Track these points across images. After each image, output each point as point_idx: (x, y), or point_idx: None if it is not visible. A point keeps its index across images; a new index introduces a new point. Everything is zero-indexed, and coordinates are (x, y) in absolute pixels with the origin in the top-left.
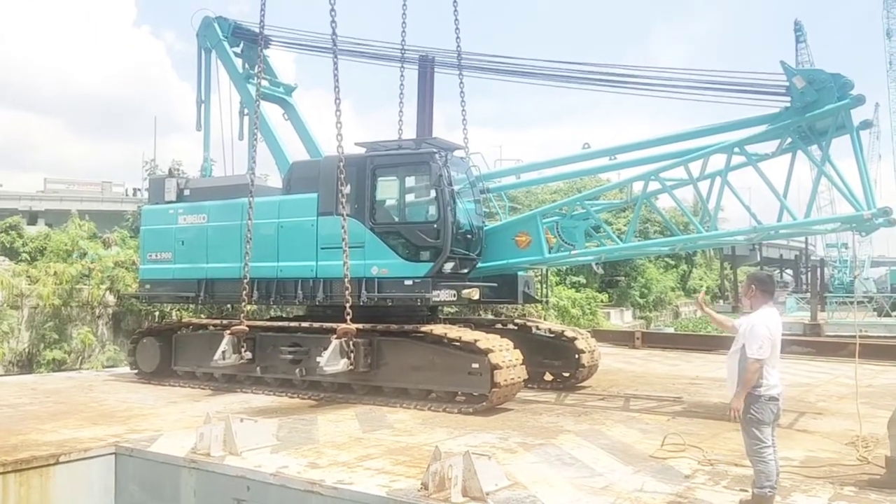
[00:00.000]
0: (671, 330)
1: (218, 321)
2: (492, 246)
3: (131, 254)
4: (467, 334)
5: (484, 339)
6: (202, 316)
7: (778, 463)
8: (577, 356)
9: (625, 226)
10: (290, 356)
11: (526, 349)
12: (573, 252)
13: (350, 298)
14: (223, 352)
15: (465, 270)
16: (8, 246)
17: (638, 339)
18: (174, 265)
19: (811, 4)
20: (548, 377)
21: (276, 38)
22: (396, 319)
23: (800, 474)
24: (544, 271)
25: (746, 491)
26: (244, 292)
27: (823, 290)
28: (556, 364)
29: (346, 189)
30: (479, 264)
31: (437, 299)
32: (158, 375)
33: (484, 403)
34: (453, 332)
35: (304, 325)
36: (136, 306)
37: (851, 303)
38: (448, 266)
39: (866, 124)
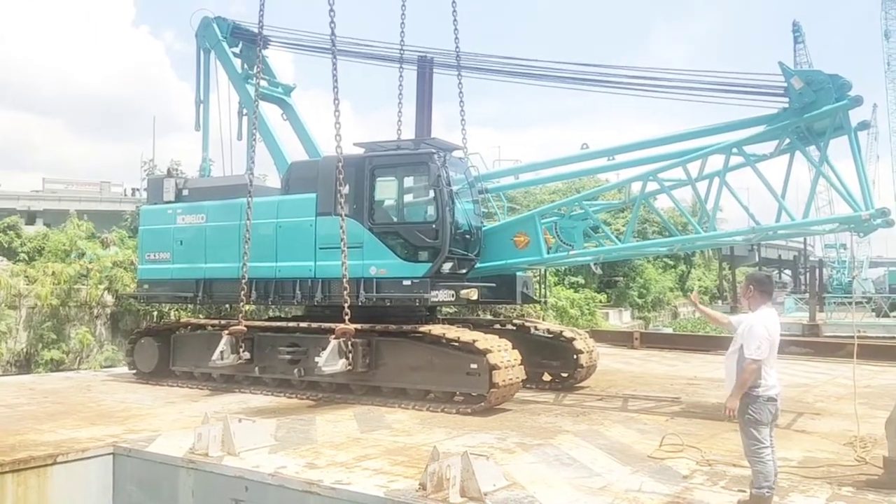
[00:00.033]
0: (670, 330)
1: (216, 321)
2: (490, 246)
3: (130, 254)
4: (466, 334)
5: (482, 340)
6: (200, 316)
7: (776, 463)
8: (575, 356)
9: (623, 226)
10: (288, 356)
11: (524, 349)
12: (572, 252)
13: (348, 298)
14: (221, 352)
15: (464, 271)
16: (6, 246)
17: (636, 339)
18: (172, 265)
19: (810, 5)
20: (546, 377)
21: (274, 39)
22: (395, 320)
23: (798, 475)
24: (543, 271)
25: (744, 491)
26: (242, 292)
27: (822, 291)
28: (554, 364)
29: (345, 189)
30: (478, 264)
31: (436, 299)
32: (156, 375)
33: (482, 404)
34: (452, 332)
35: (303, 325)
36: (134, 306)
37: (850, 303)
38: (446, 266)
39: (864, 125)
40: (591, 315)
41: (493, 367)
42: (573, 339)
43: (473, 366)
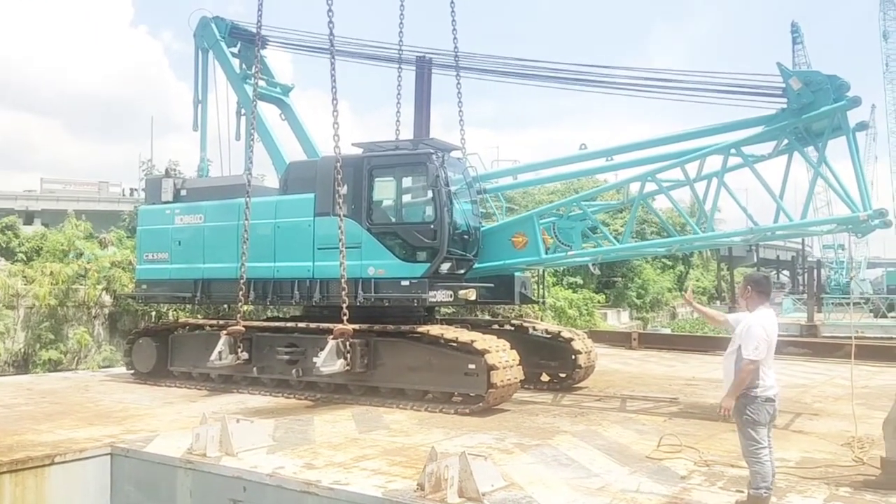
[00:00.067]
0: (668, 331)
1: (214, 321)
2: (488, 246)
3: (128, 254)
4: (464, 335)
5: (480, 340)
6: (199, 316)
7: (774, 464)
8: (573, 357)
9: (622, 227)
10: (286, 357)
11: (522, 350)
12: (570, 253)
13: (347, 299)
14: (219, 352)
15: (462, 271)
16: (4, 246)
17: (634, 339)
18: (171, 265)
19: (809, 6)
20: (544, 378)
21: (273, 39)
22: (393, 320)
23: (795, 475)
24: (541, 272)
25: (742, 492)
26: (241, 292)
27: (820, 292)
28: (552, 365)
29: (343, 189)
30: (476, 265)
31: (434, 300)
32: (155, 376)
33: (480, 404)
34: (450, 332)
35: (301, 325)
36: (132, 306)
37: (848, 304)
38: (445, 266)
39: (862, 126)
40: (590, 315)
41: (492, 368)
42: (571, 339)
43: (472, 366)
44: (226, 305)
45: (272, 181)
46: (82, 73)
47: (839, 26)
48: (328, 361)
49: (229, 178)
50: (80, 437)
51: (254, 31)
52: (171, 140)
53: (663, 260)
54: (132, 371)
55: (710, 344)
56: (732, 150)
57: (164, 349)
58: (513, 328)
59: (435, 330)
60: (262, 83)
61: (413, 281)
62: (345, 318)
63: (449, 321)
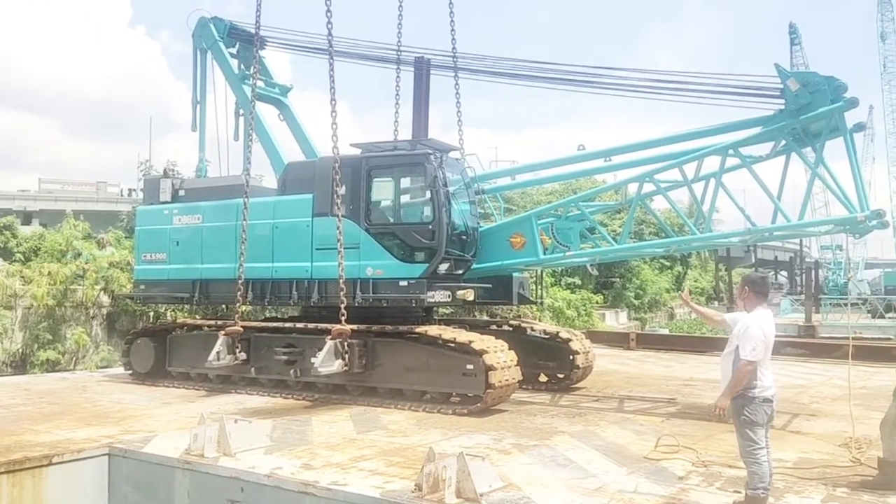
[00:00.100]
0: (666, 331)
1: (212, 322)
2: (487, 247)
3: (126, 254)
4: (462, 335)
5: (479, 341)
6: (197, 317)
7: (771, 464)
8: (571, 357)
9: (620, 227)
10: (284, 357)
11: (521, 350)
12: (568, 253)
13: (345, 299)
14: (217, 353)
15: (460, 271)
16: (2, 246)
17: (632, 340)
18: (169, 266)
19: (807, 7)
20: (542, 378)
21: (271, 39)
22: (391, 320)
23: (793, 475)
24: (539, 272)
25: (740, 492)
26: (239, 293)
27: (818, 292)
28: (550, 365)
29: (342, 190)
30: (474, 265)
31: (432, 300)
32: (153, 376)
33: (478, 405)
34: (448, 333)
35: (299, 325)
36: (130, 307)
37: (845, 304)
38: (443, 267)
39: (860, 127)
40: (588, 316)
41: (490, 368)
42: (569, 340)
43: (470, 367)
44: (224, 306)
45: (271, 181)
46: (81, 74)
47: (837, 27)
48: (326, 362)
49: (228, 178)
50: (78, 437)
51: (252, 31)
52: (169, 140)
53: (661, 260)
54: (130, 371)
55: (707, 344)
56: (730, 151)
57: (162, 349)
58: (511, 329)
59: (433, 330)
60: (260, 84)
61: (411, 281)
62: (343, 318)
63: (447, 321)
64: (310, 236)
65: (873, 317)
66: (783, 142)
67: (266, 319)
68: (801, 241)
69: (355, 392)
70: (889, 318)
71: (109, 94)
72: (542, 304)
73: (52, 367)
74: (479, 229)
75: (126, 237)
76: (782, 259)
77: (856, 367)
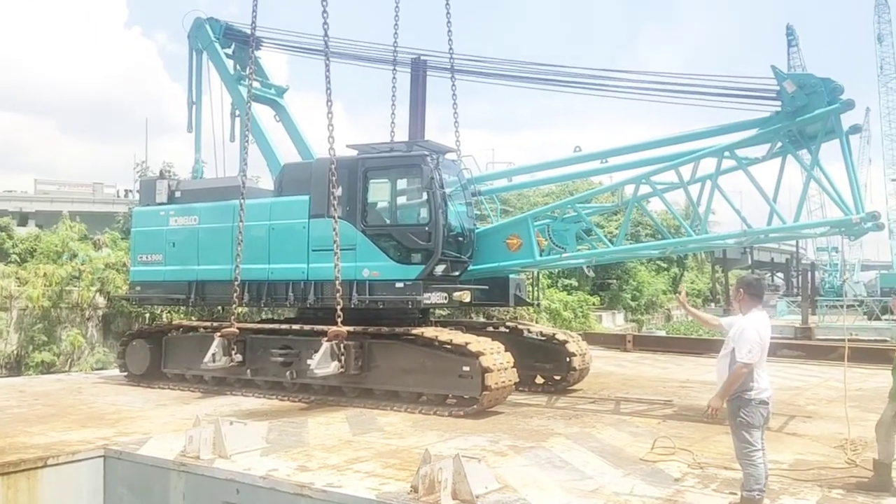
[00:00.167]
0: (662, 333)
1: (208, 323)
2: (483, 248)
3: (122, 255)
4: (458, 337)
5: (475, 342)
6: (193, 318)
7: (767, 466)
8: (568, 359)
9: (616, 229)
10: (280, 359)
11: (517, 352)
12: (564, 255)
13: (341, 301)
14: (213, 354)
15: (457, 273)
16: None
17: (629, 342)
18: (165, 267)
19: (806, 8)
20: (539, 380)
21: (267, 40)
22: (387, 322)
23: (789, 477)
24: (535, 274)
25: (736, 494)
26: (235, 294)
27: (814, 294)
28: (547, 367)
29: (338, 191)
30: (471, 267)
31: (429, 302)
32: (148, 378)
33: (475, 406)
34: (444, 334)
35: (295, 327)
36: (126, 308)
37: (842, 306)
38: (439, 268)
39: (856, 129)
40: (584, 318)
41: (486, 370)
42: (566, 341)
43: (466, 368)
44: (220, 307)
45: (267, 183)
46: (76, 74)
47: (834, 29)
48: (322, 363)
49: (224, 179)
50: (73, 439)
51: (248, 32)
52: (165, 141)
53: (658, 262)
54: (125, 373)
55: (704, 346)
56: (726, 153)
57: (158, 351)
58: (507, 330)
59: (429, 332)
60: (256, 84)
61: (407, 283)
62: (339, 319)
63: (443, 323)
64: (306, 238)
65: (869, 318)
66: (779, 144)
67: (262, 321)
68: (797, 242)
69: (351, 394)
70: (885, 319)
71: (105, 94)
72: (538, 305)
73: (47, 368)
74: (476, 231)
75: (122, 238)
76: (779, 261)
77: (852, 368)
